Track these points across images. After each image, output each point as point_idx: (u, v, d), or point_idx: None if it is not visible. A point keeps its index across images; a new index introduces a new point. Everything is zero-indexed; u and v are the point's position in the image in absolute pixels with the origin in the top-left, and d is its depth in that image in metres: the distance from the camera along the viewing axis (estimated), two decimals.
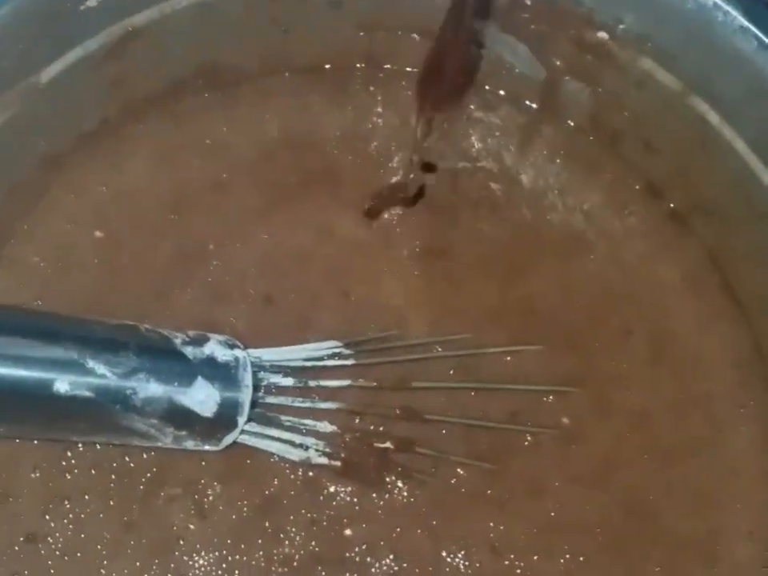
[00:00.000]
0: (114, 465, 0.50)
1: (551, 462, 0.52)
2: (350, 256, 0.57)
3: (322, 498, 0.50)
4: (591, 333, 0.55)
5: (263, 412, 0.51)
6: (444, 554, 0.49)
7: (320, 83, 0.62)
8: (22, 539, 0.48)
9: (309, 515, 0.50)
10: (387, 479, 0.51)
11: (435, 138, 0.58)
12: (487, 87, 0.63)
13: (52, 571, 0.48)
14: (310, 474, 0.50)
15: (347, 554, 0.49)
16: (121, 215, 0.57)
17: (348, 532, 0.49)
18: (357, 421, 0.52)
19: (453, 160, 0.60)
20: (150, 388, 0.45)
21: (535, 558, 0.49)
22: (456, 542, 0.49)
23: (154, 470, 0.50)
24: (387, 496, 0.50)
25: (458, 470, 0.51)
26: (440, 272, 0.57)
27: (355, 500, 0.50)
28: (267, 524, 0.49)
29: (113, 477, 0.50)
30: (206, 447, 0.49)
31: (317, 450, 0.50)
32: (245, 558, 0.48)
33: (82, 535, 0.48)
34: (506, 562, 0.49)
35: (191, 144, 0.60)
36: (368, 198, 0.58)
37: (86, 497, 0.49)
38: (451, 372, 0.53)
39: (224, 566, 0.48)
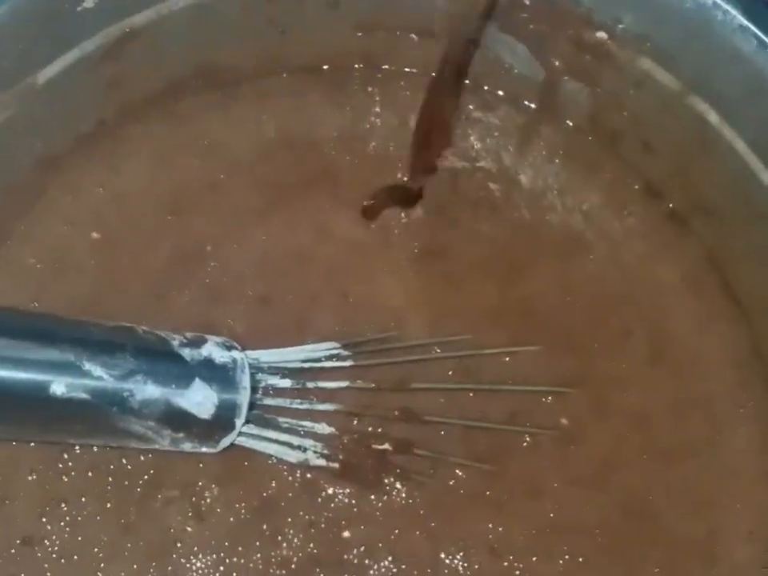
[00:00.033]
0: (111, 467, 0.50)
1: (550, 463, 0.51)
2: (349, 256, 0.57)
3: (320, 499, 0.50)
4: (590, 333, 0.55)
5: (261, 414, 0.50)
6: (443, 555, 0.49)
7: (318, 83, 0.62)
8: (18, 542, 0.48)
9: (307, 517, 0.49)
10: (386, 481, 0.50)
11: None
12: (486, 87, 0.62)
13: (49, 574, 0.48)
14: (308, 475, 0.50)
15: (345, 556, 0.49)
16: (118, 216, 0.57)
17: (346, 534, 0.49)
18: (355, 422, 0.52)
19: (452, 160, 0.60)
20: (147, 390, 0.45)
21: (534, 559, 0.49)
22: (455, 543, 0.49)
23: (151, 472, 0.50)
24: (386, 497, 0.50)
25: (457, 471, 0.51)
26: (439, 272, 0.57)
27: (353, 502, 0.50)
28: (265, 526, 0.49)
29: (110, 479, 0.49)
30: (204, 449, 0.49)
31: (315, 452, 0.50)
32: (242, 561, 0.48)
33: (79, 538, 0.48)
34: (505, 564, 0.49)
35: (189, 145, 0.59)
36: (367, 198, 0.58)
37: (83, 499, 0.49)
38: (450, 373, 0.53)
39: (221, 568, 0.48)
